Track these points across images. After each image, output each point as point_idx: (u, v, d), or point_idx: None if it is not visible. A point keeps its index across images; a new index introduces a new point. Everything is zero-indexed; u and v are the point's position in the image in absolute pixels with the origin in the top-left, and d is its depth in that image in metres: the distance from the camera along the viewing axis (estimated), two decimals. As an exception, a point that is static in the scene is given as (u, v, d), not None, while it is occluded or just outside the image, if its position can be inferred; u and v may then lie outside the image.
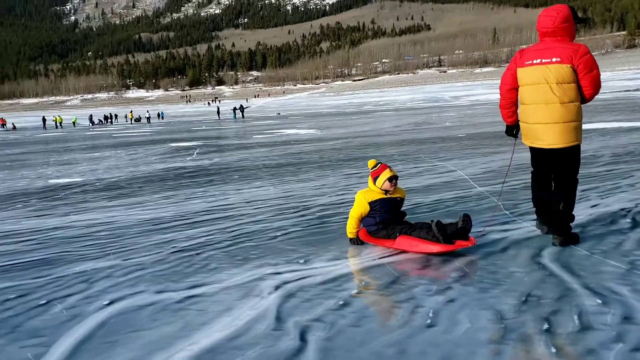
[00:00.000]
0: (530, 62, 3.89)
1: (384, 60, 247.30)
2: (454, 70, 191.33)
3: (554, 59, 3.75)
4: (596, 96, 3.89)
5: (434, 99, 65.77)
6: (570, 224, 4.01)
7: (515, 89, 4.08)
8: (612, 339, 2.45)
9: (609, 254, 3.67)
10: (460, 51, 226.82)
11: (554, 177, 4.04)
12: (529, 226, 4.58)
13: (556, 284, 3.19)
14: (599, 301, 2.88)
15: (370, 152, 12.24)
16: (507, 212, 5.16)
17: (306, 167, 10.22)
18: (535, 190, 4.27)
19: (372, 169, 4.51)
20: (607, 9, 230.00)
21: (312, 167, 10.05)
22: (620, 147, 9.85)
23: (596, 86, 3.77)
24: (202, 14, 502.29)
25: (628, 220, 4.53)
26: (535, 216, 4.47)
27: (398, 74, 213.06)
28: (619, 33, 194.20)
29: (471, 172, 8.08)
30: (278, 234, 4.94)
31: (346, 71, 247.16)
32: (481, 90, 79.78)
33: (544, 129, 3.85)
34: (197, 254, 4.45)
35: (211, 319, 3.05)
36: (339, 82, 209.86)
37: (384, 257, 4.02)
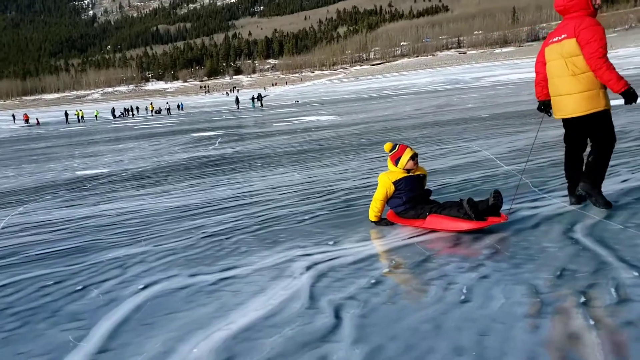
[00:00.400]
0: (552, 40, 4.16)
1: (402, 44, 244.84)
2: (474, 51, 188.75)
3: (563, 35, 4.01)
4: (612, 72, 3.80)
5: (455, 80, 65.07)
6: (600, 182, 4.14)
7: (545, 65, 4.31)
8: (651, 310, 2.42)
9: (644, 227, 3.61)
10: (480, 31, 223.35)
11: (591, 144, 4.16)
12: (559, 202, 4.53)
13: (591, 258, 3.15)
14: (636, 274, 2.84)
15: (392, 136, 12.19)
16: (535, 189, 5.10)
17: (328, 152, 10.22)
18: (567, 166, 4.41)
19: (390, 152, 4.55)
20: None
21: (334, 153, 10.05)
22: (619, 127, 9.64)
23: (591, 58, 3.83)
24: (218, 3, 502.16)
25: (661, 193, 4.45)
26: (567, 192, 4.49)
27: (417, 56, 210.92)
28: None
29: (496, 152, 8.00)
30: (305, 217, 4.97)
31: (364, 56, 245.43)
32: (502, 70, 78.62)
33: (564, 100, 4.08)
34: (227, 238, 4.50)
35: (246, 299, 3.08)
36: (357, 67, 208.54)
37: (413, 237, 4.02)
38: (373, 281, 3.15)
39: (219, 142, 15.15)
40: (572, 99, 4.00)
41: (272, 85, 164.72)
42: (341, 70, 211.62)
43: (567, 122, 4.26)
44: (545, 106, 4.46)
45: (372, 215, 4.42)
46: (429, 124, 14.48)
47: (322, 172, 7.80)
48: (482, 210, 3.89)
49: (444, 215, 4.05)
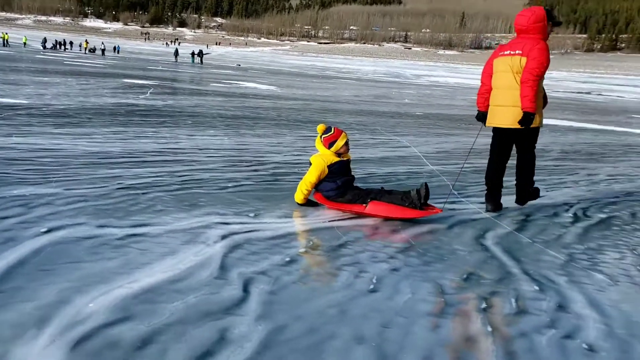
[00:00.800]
0: (503, 53, 4.37)
1: (351, 27, 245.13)
2: (419, 49, 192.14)
3: (517, 51, 4.23)
4: (548, 95, 4.04)
5: (396, 74, 66.07)
6: (530, 189, 4.62)
7: (491, 76, 4.50)
8: (545, 324, 2.55)
9: (550, 244, 3.81)
10: (427, 30, 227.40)
11: (517, 156, 4.55)
12: (475, 208, 4.69)
13: (497, 267, 3.29)
14: (536, 287, 2.99)
15: (329, 118, 12.19)
16: (455, 192, 5.26)
17: (263, 122, 10.08)
18: (489, 173, 4.64)
19: (325, 134, 4.48)
20: (572, 10, 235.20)
21: (269, 124, 9.92)
22: (568, 145, 10.21)
23: (528, 72, 4.12)
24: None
25: (570, 214, 4.70)
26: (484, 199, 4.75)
27: (364, 43, 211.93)
28: (580, 35, 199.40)
29: (424, 150, 8.19)
30: (229, 185, 4.87)
31: (313, 32, 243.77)
32: (442, 72, 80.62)
33: (506, 110, 4.32)
34: (144, 193, 4.33)
35: (153, 259, 2.98)
36: (304, 43, 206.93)
37: (334, 220, 4.03)
38: (287, 259, 3.13)
39: (150, 93, 14.57)
40: (514, 111, 4.25)
41: (216, 44, 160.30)
42: (288, 42, 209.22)
43: (500, 132, 4.51)
44: (483, 117, 4.63)
45: (300, 196, 4.34)
46: (365, 112, 14.61)
47: (254, 141, 7.68)
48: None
49: (386, 203, 4.13)
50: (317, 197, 4.43)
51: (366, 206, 4.18)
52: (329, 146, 4.44)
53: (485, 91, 4.56)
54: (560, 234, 4.09)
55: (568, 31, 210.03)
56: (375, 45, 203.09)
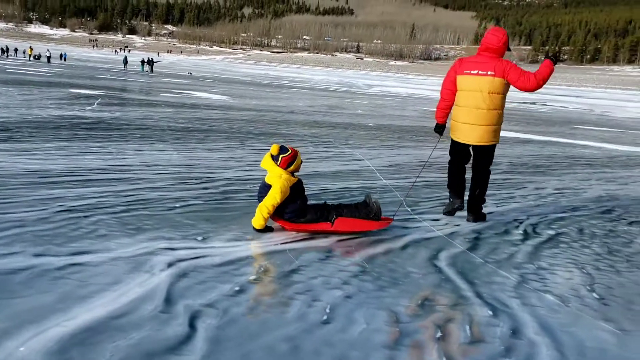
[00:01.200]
0: (469, 72, 4.55)
1: (304, 37, 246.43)
2: (370, 59, 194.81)
3: (489, 72, 4.46)
4: (546, 74, 4.51)
5: (349, 84, 66.60)
6: (482, 205, 4.97)
7: (454, 93, 4.71)
8: (500, 352, 2.52)
9: (502, 264, 3.82)
10: (379, 41, 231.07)
11: (473, 169, 4.82)
12: (428, 226, 4.68)
13: (451, 290, 3.26)
14: (490, 312, 2.97)
15: (282, 130, 12.08)
16: (408, 209, 5.25)
17: (214, 135, 9.88)
18: (451, 176, 4.97)
19: (282, 153, 4.23)
20: (518, 22, 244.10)
21: (221, 137, 9.73)
22: (515, 157, 10.44)
23: (531, 83, 4.46)
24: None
25: (520, 231, 4.75)
26: (436, 215, 4.90)
27: (317, 53, 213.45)
28: (525, 47, 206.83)
29: (377, 164, 8.19)
30: (177, 205, 4.69)
31: (266, 41, 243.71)
32: (393, 82, 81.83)
33: (471, 128, 4.59)
34: (86, 216, 4.11)
35: (93, 292, 2.80)
36: (257, 52, 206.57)
37: (287, 242, 3.93)
38: (237, 288, 3.01)
39: (97, 104, 14.10)
40: (480, 129, 4.56)
41: (167, 52, 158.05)
42: (241, 50, 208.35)
43: (463, 146, 4.78)
44: (442, 129, 4.89)
45: (261, 221, 4.07)
46: (318, 123, 14.58)
47: (204, 156, 7.49)
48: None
49: (350, 218, 4.22)
50: (278, 221, 4.25)
51: (332, 224, 4.18)
52: (288, 166, 4.27)
53: (446, 107, 4.78)
54: (511, 252, 4.12)
55: (514, 43, 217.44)
56: (328, 55, 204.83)
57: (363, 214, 4.26)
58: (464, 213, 5.00)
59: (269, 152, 4.26)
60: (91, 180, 5.38)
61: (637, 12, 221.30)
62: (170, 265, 3.26)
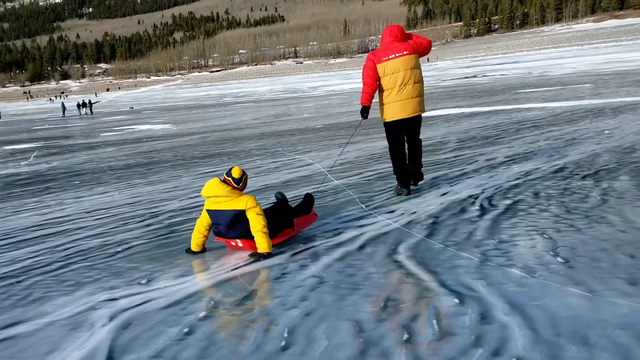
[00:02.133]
0: (387, 57, 5.12)
1: (240, 52, 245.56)
2: (310, 62, 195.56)
3: (404, 52, 5.10)
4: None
5: (293, 89, 66.51)
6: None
7: (377, 80, 5.17)
8: (471, 343, 2.36)
9: (462, 245, 3.68)
10: (315, 42, 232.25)
11: (411, 141, 5.36)
12: (384, 220, 4.53)
13: (414, 284, 3.09)
14: (456, 300, 2.81)
15: (227, 148, 11.80)
16: (362, 206, 5.09)
17: (157, 167, 9.53)
18: (397, 161, 5.38)
19: (243, 175, 4.08)
20: (445, 1, 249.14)
21: (164, 167, 9.39)
22: (463, 132, 10.44)
23: (428, 42, 5.36)
24: (41, 4, 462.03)
25: (476, 207, 4.65)
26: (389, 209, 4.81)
27: (256, 65, 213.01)
28: (456, 24, 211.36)
29: (328, 165, 8.02)
30: (119, 249, 4.39)
31: (203, 62, 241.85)
32: (336, 80, 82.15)
33: (407, 103, 5.12)
34: (19, 281, 3.79)
35: (26, 368, 2.51)
36: (196, 74, 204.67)
37: (238, 266, 3.70)
38: (186, 330, 2.76)
39: (34, 157, 13.51)
40: (416, 101, 5.16)
41: (106, 90, 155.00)
42: (179, 76, 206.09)
43: (398, 123, 5.23)
44: (367, 111, 5.28)
45: (269, 243, 3.85)
46: (265, 134, 14.36)
47: (147, 191, 7.17)
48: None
49: (302, 216, 4.43)
50: (249, 243, 3.98)
51: (293, 229, 4.26)
52: (244, 188, 4.10)
53: (371, 91, 5.19)
54: (470, 231, 4.00)
55: (445, 22, 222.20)
56: (268, 65, 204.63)
57: (304, 210, 4.52)
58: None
59: (214, 179, 4.05)
60: (26, 240, 5.02)
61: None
62: (112, 318, 2.99)
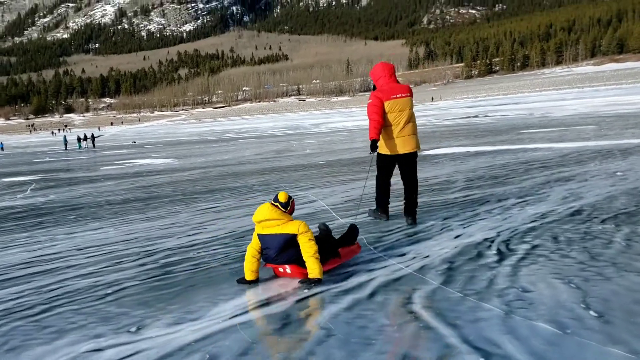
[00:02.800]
0: (395, 96, 5.47)
1: (244, 88, 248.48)
2: (313, 99, 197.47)
3: (408, 94, 5.54)
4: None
5: (295, 126, 66.91)
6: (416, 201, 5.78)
7: (382, 116, 5.44)
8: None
9: (483, 295, 3.37)
10: (318, 81, 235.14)
11: (406, 176, 5.71)
12: (395, 263, 4.22)
13: (433, 340, 2.77)
14: (482, 359, 2.50)
15: (229, 183, 11.55)
16: (371, 248, 4.79)
17: (156, 202, 9.24)
18: (383, 192, 5.90)
19: (290, 202, 4.11)
20: (446, 42, 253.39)
21: (163, 202, 9.10)
22: (470, 171, 10.20)
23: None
24: (49, 39, 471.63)
25: (493, 252, 4.34)
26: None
27: (259, 101, 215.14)
28: (457, 65, 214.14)
29: (332, 202, 7.74)
30: (109, 291, 4.07)
31: (206, 98, 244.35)
32: (338, 117, 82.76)
33: (411, 138, 5.55)
34: (-4, 328, 3.46)
35: None
36: (200, 109, 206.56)
37: (237, 314, 3.38)
38: (176, 390, 2.44)
39: (30, 189, 13.26)
40: (415, 138, 5.61)
41: (110, 124, 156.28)
42: (183, 111, 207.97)
43: (400, 156, 5.63)
44: (377, 144, 5.44)
45: (322, 271, 3.87)
46: (267, 170, 14.14)
47: (143, 227, 6.86)
48: None
49: (344, 247, 4.36)
50: (298, 269, 3.98)
51: (340, 257, 4.23)
52: (292, 212, 4.15)
53: (380, 126, 5.42)
54: (490, 278, 3.68)
55: (446, 63, 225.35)
56: (271, 102, 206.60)
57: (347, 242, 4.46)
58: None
59: (266, 203, 4.05)
60: (11, 278, 4.70)
61: (554, 16, 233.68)
62: (94, 374, 2.67)
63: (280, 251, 3.92)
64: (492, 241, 4.71)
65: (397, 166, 5.75)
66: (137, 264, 4.88)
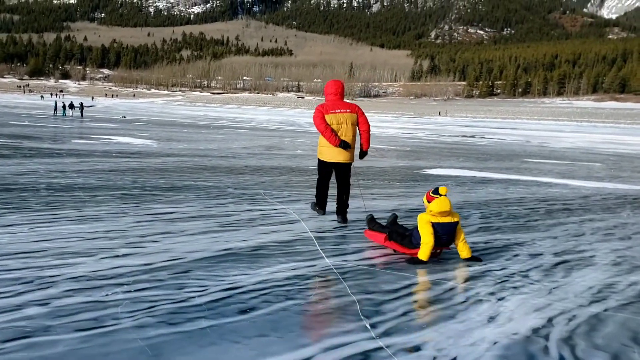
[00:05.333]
0: (334, 111, 6.16)
1: (245, 78, 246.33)
2: (312, 97, 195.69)
3: (348, 110, 6.20)
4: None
5: (290, 122, 65.44)
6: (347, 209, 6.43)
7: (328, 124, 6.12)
8: None
9: None
10: (319, 80, 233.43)
11: (340, 182, 6.39)
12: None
13: None
14: None
15: (200, 180, 9.91)
16: (367, 325, 3.23)
17: (105, 194, 7.56)
18: (321, 193, 6.57)
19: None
20: (451, 59, 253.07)
21: (112, 197, 7.41)
22: (483, 204, 8.67)
23: (367, 126, 6.31)
24: (55, 2, 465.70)
25: (554, 356, 2.79)
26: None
27: (258, 93, 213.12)
28: (460, 83, 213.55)
29: (318, 227, 6.15)
30: None
31: (206, 83, 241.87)
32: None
33: (346, 150, 6.18)
34: None
35: None
36: (197, 93, 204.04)
37: None
38: None
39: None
40: (351, 151, 6.23)
41: (105, 96, 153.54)
42: (180, 92, 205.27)
43: (336, 165, 6.31)
44: (346, 144, 6.16)
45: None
46: (250, 169, 12.52)
47: (67, 232, 5.21)
48: None
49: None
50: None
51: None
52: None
53: (330, 130, 6.10)
54: None
55: (449, 79, 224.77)
56: (269, 95, 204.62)
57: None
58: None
59: (443, 196, 4.80)
60: None
61: (561, 47, 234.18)
62: None
63: (450, 236, 4.78)
64: (546, 336, 3.16)
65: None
66: (13, 304, 3.25)
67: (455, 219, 4.75)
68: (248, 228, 5.84)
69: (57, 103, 52.89)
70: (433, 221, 4.62)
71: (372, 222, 5.53)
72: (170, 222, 5.89)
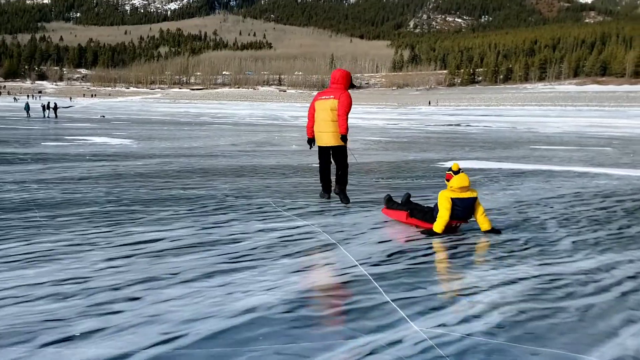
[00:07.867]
0: (320, 97, 6.79)
1: (224, 73, 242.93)
2: (293, 91, 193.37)
3: (331, 96, 6.66)
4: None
5: (274, 116, 63.66)
6: (345, 185, 6.92)
7: (314, 116, 6.85)
8: None
9: None
10: (300, 73, 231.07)
11: (335, 161, 6.84)
12: None
13: None
14: None
15: (190, 186, 8.10)
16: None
17: (67, 215, 5.67)
18: (322, 175, 7.02)
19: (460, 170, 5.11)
20: (431, 48, 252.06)
21: (78, 218, 5.53)
22: (541, 203, 7.01)
23: (340, 111, 6.57)
24: (28, 2, 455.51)
25: None
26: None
27: (238, 87, 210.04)
28: (441, 71, 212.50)
29: (362, 253, 4.42)
30: None
31: (185, 79, 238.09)
32: (321, 112, 79.37)
33: (325, 135, 6.71)
34: None
35: None
36: (177, 90, 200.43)
37: None
38: None
39: None
40: (329, 135, 6.67)
41: (90, 95, 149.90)
42: (159, 90, 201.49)
43: (323, 149, 6.87)
44: (312, 141, 6.98)
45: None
46: (246, 170, 10.73)
47: (12, 274, 3.45)
48: None
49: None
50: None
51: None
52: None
53: (311, 126, 6.91)
54: None
55: (430, 68, 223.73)
56: (250, 89, 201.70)
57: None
58: None
59: (462, 173, 5.03)
60: None
61: (539, 33, 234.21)
62: None
63: (468, 210, 5.10)
64: None
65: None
66: None
67: (475, 194, 5.10)
68: (270, 263, 4.05)
69: (30, 104, 50.28)
70: (453, 197, 4.95)
71: (390, 202, 5.84)
72: (156, 257, 4.09)
